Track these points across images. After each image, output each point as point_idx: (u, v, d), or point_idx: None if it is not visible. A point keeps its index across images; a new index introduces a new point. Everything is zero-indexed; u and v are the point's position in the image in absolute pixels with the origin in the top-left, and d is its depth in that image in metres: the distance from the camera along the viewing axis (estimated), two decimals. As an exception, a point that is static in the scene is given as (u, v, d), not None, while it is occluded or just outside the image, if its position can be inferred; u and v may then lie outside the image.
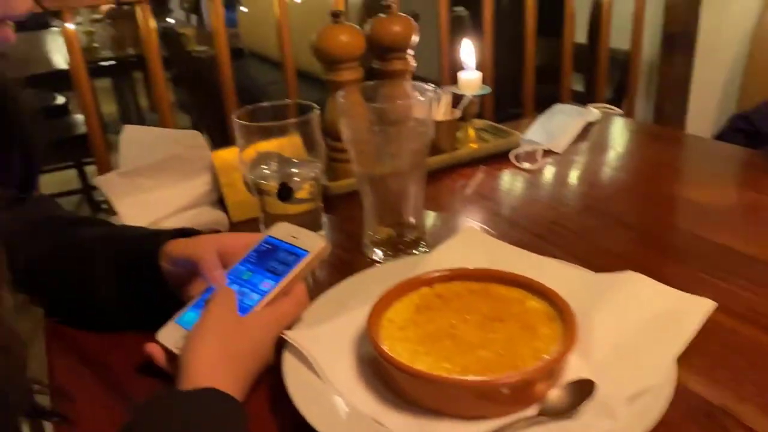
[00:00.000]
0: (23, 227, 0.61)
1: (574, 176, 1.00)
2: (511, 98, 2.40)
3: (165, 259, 0.61)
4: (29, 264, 0.57)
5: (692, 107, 2.13)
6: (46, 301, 0.63)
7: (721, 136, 1.42)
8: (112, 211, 0.86)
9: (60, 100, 3.02)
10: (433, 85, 0.78)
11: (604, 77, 1.97)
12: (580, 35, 2.28)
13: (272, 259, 0.62)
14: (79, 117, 2.78)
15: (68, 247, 0.65)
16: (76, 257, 0.64)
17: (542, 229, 0.82)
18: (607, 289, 0.59)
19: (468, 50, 1.06)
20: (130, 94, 3.67)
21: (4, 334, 0.39)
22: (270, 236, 0.64)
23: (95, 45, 2.84)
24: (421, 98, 0.76)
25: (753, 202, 0.89)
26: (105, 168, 1.36)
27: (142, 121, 3.77)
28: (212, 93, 1.72)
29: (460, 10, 1.82)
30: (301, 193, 0.78)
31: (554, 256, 0.69)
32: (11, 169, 0.46)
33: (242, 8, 1.23)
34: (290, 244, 0.63)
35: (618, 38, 2.05)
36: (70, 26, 1.17)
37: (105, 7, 2.84)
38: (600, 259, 0.72)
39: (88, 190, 3.10)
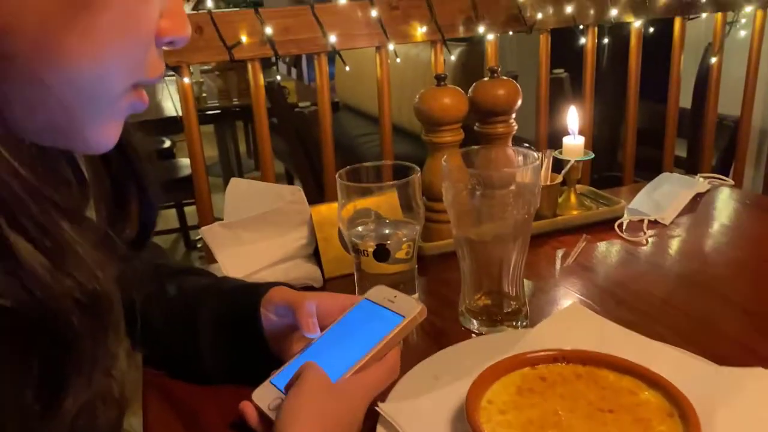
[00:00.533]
0: (133, 275, 0.63)
1: (683, 251, 0.94)
2: (609, 160, 2.33)
3: (266, 305, 0.62)
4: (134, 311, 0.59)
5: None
6: (148, 348, 0.65)
7: None
8: (210, 256, 0.89)
9: (167, 143, 3.22)
10: (528, 146, 0.76)
11: (710, 144, 1.88)
12: (685, 99, 2.20)
13: (367, 322, 0.60)
14: (183, 160, 2.93)
15: (173, 297, 0.67)
16: (181, 307, 0.65)
17: (651, 307, 0.77)
18: (732, 386, 0.54)
19: (573, 116, 1.04)
20: (231, 140, 3.85)
21: (118, 386, 0.40)
22: (367, 299, 0.63)
23: (204, 94, 3.02)
24: (527, 163, 0.74)
25: None
26: (205, 208, 1.41)
27: (239, 165, 3.95)
28: (310, 145, 1.77)
29: (560, 72, 1.80)
30: (398, 254, 0.77)
31: (665, 340, 0.64)
32: (129, 218, 0.48)
33: (346, 68, 1.27)
34: (386, 308, 0.61)
35: (725, 103, 1.96)
36: (186, 80, 1.24)
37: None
38: (719, 347, 0.66)
39: (185, 229, 3.25)
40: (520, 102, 0.96)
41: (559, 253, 0.94)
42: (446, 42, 1.42)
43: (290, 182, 4.02)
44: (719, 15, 1.72)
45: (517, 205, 0.70)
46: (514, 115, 0.97)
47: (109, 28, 0.32)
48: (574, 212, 1.04)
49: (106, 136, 0.37)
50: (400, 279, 0.78)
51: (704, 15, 1.69)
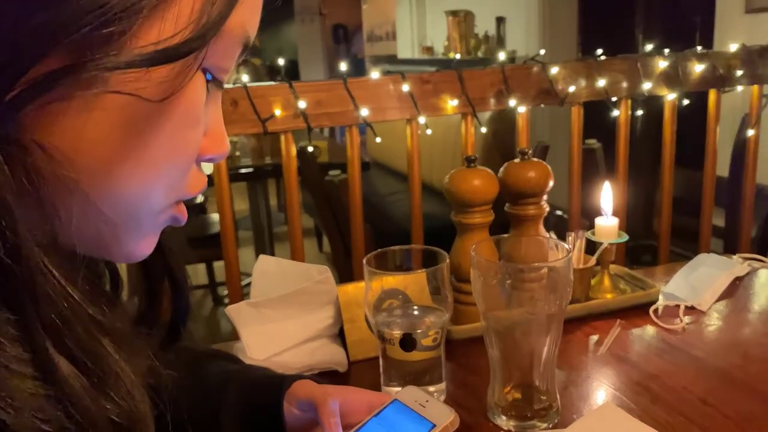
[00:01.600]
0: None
1: (722, 342, 0.90)
2: (645, 228, 2.29)
3: (289, 398, 0.62)
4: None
5: None
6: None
7: None
8: (236, 334, 0.88)
9: (200, 198, 3.28)
10: (560, 214, 0.74)
11: (750, 216, 1.84)
12: (721, 167, 2.17)
13: (396, 427, 0.58)
14: (214, 216, 2.98)
15: (197, 382, 0.66)
16: (204, 396, 0.64)
17: (690, 408, 0.73)
18: None
19: (606, 196, 1.02)
20: (262, 195, 3.91)
21: None
22: (397, 400, 0.61)
23: (237, 154, 3.08)
24: (559, 256, 0.72)
25: None
26: (232, 265, 1.41)
27: (269, 219, 4.00)
28: (339, 210, 1.78)
29: (593, 142, 1.79)
30: (425, 342, 0.75)
31: (707, 449, 0.60)
32: (160, 315, 0.48)
33: (377, 139, 1.28)
34: (417, 413, 0.59)
35: (765, 173, 1.93)
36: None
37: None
38: (764, 459, 0.62)
39: (213, 285, 3.26)
40: (551, 184, 0.95)
41: (592, 340, 0.91)
42: (476, 115, 1.43)
43: (319, 237, 4.04)
44: (755, 87, 1.70)
45: (549, 298, 0.69)
46: (545, 197, 0.96)
47: (159, 154, 0.33)
48: (608, 296, 1.01)
49: (143, 247, 0.38)
50: (426, 366, 0.76)
51: (740, 88, 1.67)
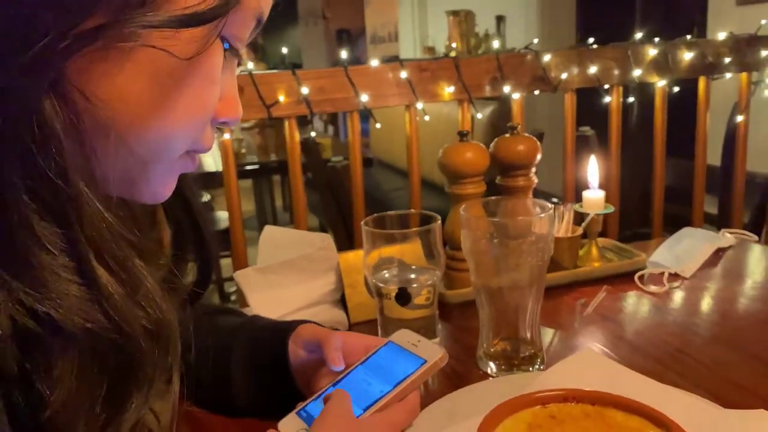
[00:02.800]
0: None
1: (703, 303, 0.96)
2: (640, 217, 2.34)
3: (295, 339, 0.67)
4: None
5: None
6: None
7: None
8: (243, 300, 0.94)
9: (206, 197, 3.35)
10: (555, 201, 0.80)
11: (740, 201, 1.88)
12: (715, 157, 2.22)
13: (391, 364, 0.64)
14: (221, 213, 3.04)
15: (208, 334, 0.72)
16: (214, 343, 0.70)
17: (667, 356, 0.78)
18: (736, 426, 0.55)
19: (592, 169, 1.07)
20: (268, 195, 3.97)
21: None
22: (391, 341, 0.67)
23: (243, 151, 3.15)
24: (542, 215, 0.77)
25: None
26: (240, 260, 1.47)
27: (275, 219, 4.06)
28: (342, 198, 1.84)
29: (586, 129, 1.84)
30: (419, 299, 0.81)
31: (677, 385, 0.66)
32: (187, 265, 0.54)
33: (377, 125, 1.34)
34: (410, 351, 0.65)
35: (757, 161, 1.98)
36: (227, 137, 1.32)
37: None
38: (730, 394, 0.67)
39: (220, 281, 3.32)
40: (539, 157, 1.01)
41: (579, 303, 0.97)
42: (473, 100, 1.49)
43: (324, 235, 4.10)
44: (744, 75, 1.75)
45: (533, 254, 0.74)
46: (534, 170, 1.01)
47: (181, 106, 0.39)
48: (596, 264, 1.06)
49: (164, 187, 0.44)
50: (421, 324, 0.82)
51: (728, 75, 1.72)
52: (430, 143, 2.15)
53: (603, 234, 1.17)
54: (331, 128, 4.77)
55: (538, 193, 1.81)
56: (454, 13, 4.13)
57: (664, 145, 1.75)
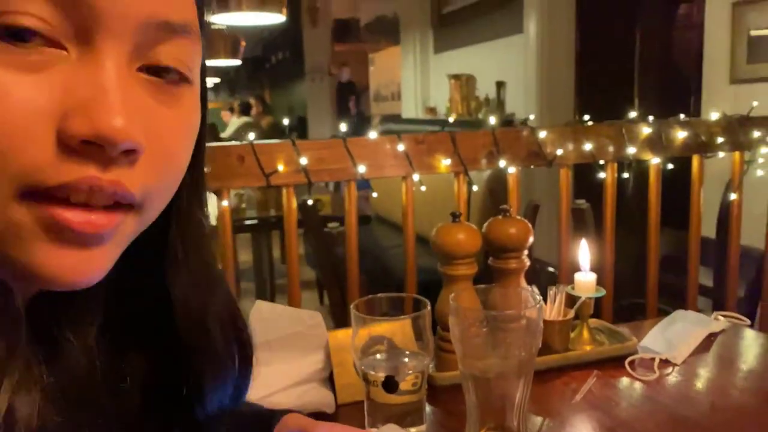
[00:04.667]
0: None
1: (692, 392, 0.95)
2: (636, 287, 2.33)
3: (280, 429, 0.66)
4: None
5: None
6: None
7: None
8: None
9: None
10: (551, 270, 0.80)
11: (735, 276, 1.89)
12: (710, 228, 2.24)
13: None
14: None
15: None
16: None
17: (655, 453, 0.77)
18: None
19: (584, 252, 1.08)
20: (265, 247, 3.98)
21: None
22: None
23: (243, 206, 3.18)
24: (531, 307, 0.78)
25: None
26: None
27: (272, 269, 4.05)
28: (336, 260, 1.84)
29: (582, 203, 1.86)
30: (406, 385, 0.80)
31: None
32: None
33: (373, 194, 1.36)
34: None
35: (750, 236, 1.99)
36: (225, 204, 1.34)
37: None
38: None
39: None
40: (531, 240, 1.02)
41: (569, 389, 0.96)
42: (468, 173, 1.51)
43: (320, 289, 4.09)
44: (737, 154, 1.78)
45: (521, 345, 0.74)
46: (526, 252, 1.02)
47: None
48: (587, 347, 1.06)
49: (49, 261, 0.33)
50: (408, 409, 0.81)
51: (722, 154, 1.75)
52: (432, 202, 2.17)
53: (597, 309, 1.17)
54: (332, 184, 4.81)
55: (537, 263, 1.82)
56: (456, 77, 4.23)
57: (659, 222, 1.76)
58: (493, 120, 1.53)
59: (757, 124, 1.72)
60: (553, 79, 3.50)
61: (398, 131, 1.49)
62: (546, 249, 2.35)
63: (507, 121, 3.51)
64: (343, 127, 1.50)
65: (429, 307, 0.81)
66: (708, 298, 2.26)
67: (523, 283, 1.03)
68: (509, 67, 3.81)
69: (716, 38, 2.43)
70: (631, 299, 2.27)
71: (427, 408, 0.85)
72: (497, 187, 2.42)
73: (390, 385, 0.79)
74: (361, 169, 1.42)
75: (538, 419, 0.87)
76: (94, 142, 0.32)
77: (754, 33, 2.26)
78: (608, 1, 3.70)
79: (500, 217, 1.03)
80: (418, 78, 5.15)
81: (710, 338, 1.12)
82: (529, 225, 1.02)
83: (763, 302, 1.92)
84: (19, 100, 0.31)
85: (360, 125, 7.08)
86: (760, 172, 1.81)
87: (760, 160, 1.78)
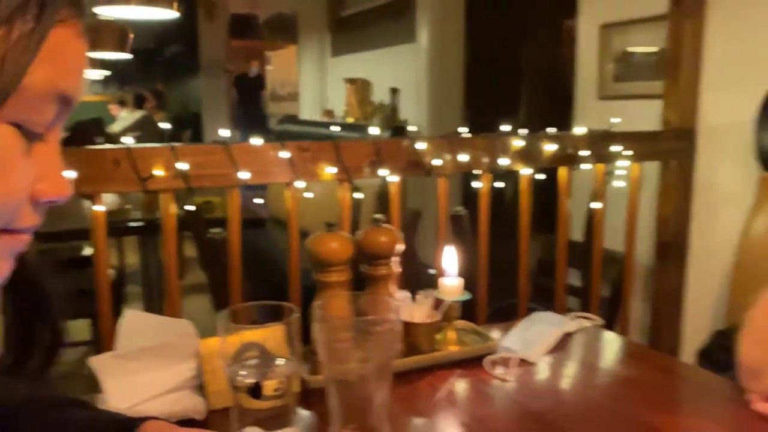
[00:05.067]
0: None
1: (542, 389, 1.04)
2: (512, 289, 2.48)
3: None
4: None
5: (687, 315, 2.18)
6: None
7: (706, 350, 1.46)
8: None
9: (88, 251, 3.19)
10: (431, 271, 0.85)
11: (597, 276, 2.06)
12: (579, 233, 2.43)
13: None
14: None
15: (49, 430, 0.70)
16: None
17: (501, 445, 0.85)
18: None
19: (450, 258, 1.15)
20: (152, 249, 3.85)
21: None
22: None
23: (128, 207, 3.06)
24: (391, 311, 0.83)
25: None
26: (107, 321, 1.43)
27: (159, 273, 3.92)
28: (222, 268, 1.83)
29: (460, 209, 1.97)
30: (270, 391, 0.83)
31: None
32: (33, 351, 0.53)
33: (260, 200, 1.37)
34: None
35: (614, 239, 2.17)
36: (97, 208, 1.31)
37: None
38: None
39: (98, 341, 3.15)
40: (399, 247, 1.07)
41: (432, 388, 1.02)
42: (352, 181, 1.56)
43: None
44: (600, 166, 1.95)
45: (381, 349, 0.79)
46: (395, 259, 1.08)
47: None
48: (452, 348, 1.13)
49: None
50: (274, 413, 0.84)
51: (586, 166, 1.91)
52: (328, 199, 2.21)
53: (472, 311, 1.25)
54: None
55: (422, 268, 1.88)
56: (352, 81, 4.30)
57: (529, 228, 1.89)
58: (376, 130, 1.58)
59: (615, 139, 1.89)
60: (444, 88, 3.64)
61: (298, 132, 1.51)
62: (427, 253, 2.46)
63: (399, 128, 3.61)
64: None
65: (297, 314, 0.85)
66: (576, 298, 2.44)
67: (393, 288, 1.09)
68: (403, 75, 3.92)
69: (587, 56, 2.63)
70: (509, 300, 2.41)
71: (303, 411, 0.88)
72: (385, 194, 2.49)
73: (255, 390, 0.81)
74: (245, 175, 1.43)
75: (402, 418, 0.92)
76: (54, 201, 0.45)
77: (620, 53, 2.48)
78: (497, 15, 3.89)
79: (373, 226, 1.08)
80: (315, 80, 5.17)
81: (565, 337, 1.23)
82: (398, 233, 1.08)
83: (624, 302, 2.11)
84: (20, 179, 0.41)
85: (260, 124, 6.99)
86: (619, 183, 1.98)
87: (620, 172, 1.96)
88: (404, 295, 1.16)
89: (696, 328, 2.13)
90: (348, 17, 4.64)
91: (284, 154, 1.47)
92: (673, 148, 2.04)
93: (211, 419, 0.93)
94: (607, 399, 1.01)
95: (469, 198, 2.14)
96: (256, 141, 1.47)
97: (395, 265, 1.08)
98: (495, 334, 1.20)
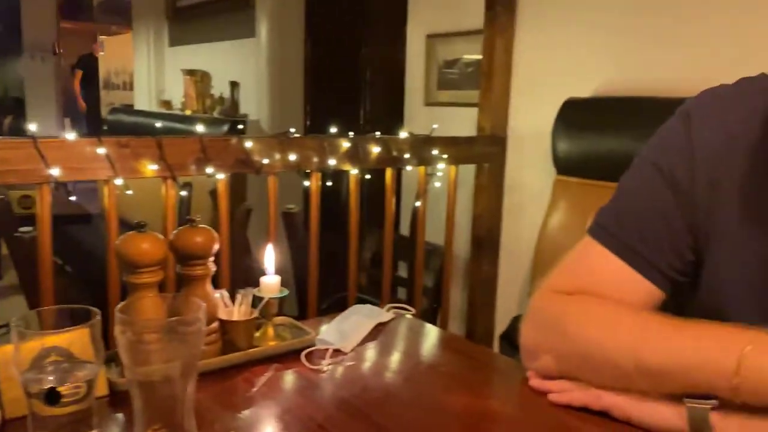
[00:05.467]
0: None
1: (354, 378, 1.11)
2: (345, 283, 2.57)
3: None
4: None
5: (500, 301, 2.41)
6: None
7: (505, 334, 1.63)
8: None
9: None
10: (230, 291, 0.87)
11: (421, 268, 2.21)
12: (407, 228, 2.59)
13: None
14: None
15: None
16: None
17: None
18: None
19: (268, 257, 1.19)
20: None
21: None
22: None
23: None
24: (196, 310, 0.85)
25: (500, 412, 1.03)
26: None
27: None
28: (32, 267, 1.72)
29: (292, 207, 2.01)
30: (71, 396, 0.82)
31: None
32: None
33: (73, 198, 1.30)
34: None
35: (435, 235, 2.34)
36: None
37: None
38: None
39: None
40: (216, 247, 1.09)
41: (249, 383, 1.06)
42: (176, 179, 1.54)
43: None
44: (421, 168, 2.09)
45: (185, 349, 0.81)
46: (212, 259, 1.09)
47: None
48: (270, 344, 1.17)
49: None
50: (75, 419, 0.82)
51: (409, 168, 2.04)
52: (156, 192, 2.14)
53: (304, 305, 1.30)
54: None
55: (256, 263, 1.88)
56: (191, 73, 4.17)
57: (358, 224, 1.98)
58: (201, 128, 1.56)
59: (435, 143, 2.03)
60: (285, 84, 3.66)
61: (131, 123, 1.46)
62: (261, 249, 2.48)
63: (239, 121, 3.57)
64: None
65: (98, 317, 0.84)
66: (404, 288, 2.59)
67: (209, 288, 1.10)
68: (243, 69, 3.88)
69: (415, 64, 2.79)
70: (342, 293, 2.50)
71: (112, 414, 0.88)
72: (235, 186, 2.47)
73: (50, 396, 0.79)
74: (56, 171, 1.36)
75: (214, 413, 0.94)
76: None
77: (443, 63, 2.66)
78: (338, 16, 3.97)
79: (188, 226, 1.09)
80: (152, 69, 4.94)
81: (379, 328, 1.32)
82: (214, 233, 1.09)
83: (444, 291, 2.28)
84: None
85: (90, 113, 6.50)
86: (438, 184, 2.14)
87: (439, 174, 2.11)
88: (223, 293, 1.18)
89: (507, 314, 2.36)
90: (186, 7, 4.49)
91: (101, 150, 1.42)
92: (486, 152, 2.24)
93: (8, 427, 0.89)
94: (409, 384, 1.11)
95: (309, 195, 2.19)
96: (70, 135, 1.40)
97: (211, 265, 1.10)
98: (324, 326, 1.26)
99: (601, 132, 1.92)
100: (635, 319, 0.95)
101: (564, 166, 2.06)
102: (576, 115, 2.02)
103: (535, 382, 1.04)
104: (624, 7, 2.01)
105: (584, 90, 2.10)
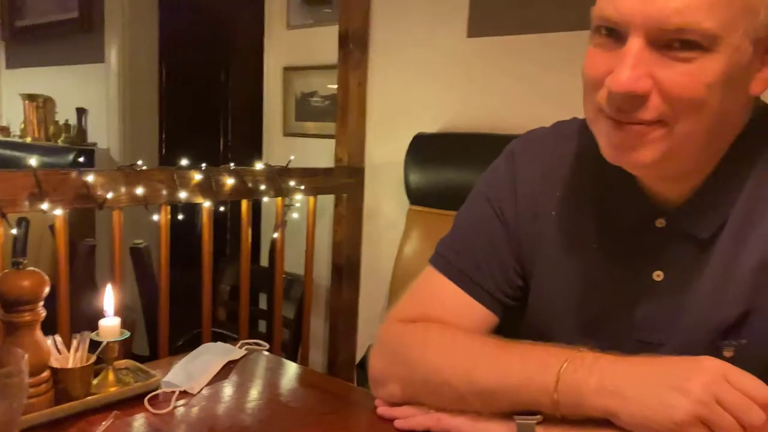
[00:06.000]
0: None
1: (199, 420, 1.08)
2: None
3: None
4: None
5: (361, 328, 2.45)
6: None
7: (362, 363, 1.66)
8: None
9: None
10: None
11: (280, 298, 2.19)
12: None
13: None
14: None
15: None
16: None
17: (145, 481, 0.86)
18: None
19: (107, 298, 1.14)
20: None
21: None
22: None
23: None
24: (21, 361, 0.79)
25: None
26: None
27: None
28: None
29: (141, 242, 1.93)
30: None
31: None
32: None
33: None
34: None
35: (300, 264, 2.35)
36: None
37: None
38: None
39: None
40: (47, 290, 1.03)
41: (84, 434, 0.99)
42: (5, 216, 1.43)
43: None
44: (279, 199, 2.09)
45: (1, 403, 0.75)
46: (41, 303, 1.02)
47: None
48: (111, 389, 1.11)
49: None
50: None
51: (266, 199, 2.03)
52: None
53: (154, 345, 1.23)
54: None
55: (98, 302, 1.76)
56: (31, 97, 3.87)
57: (211, 257, 1.94)
58: (33, 161, 1.45)
59: (292, 175, 2.05)
60: (137, 113, 3.51)
61: None
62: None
63: (86, 150, 3.37)
64: None
65: None
66: (264, 320, 2.56)
67: (39, 335, 1.03)
68: (91, 95, 3.67)
69: (273, 95, 2.81)
70: (198, 329, 2.42)
71: None
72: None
73: None
74: None
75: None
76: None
77: (299, 95, 2.70)
78: (194, 45, 3.89)
79: (14, 269, 1.01)
80: (-14, 92, 4.53)
81: (231, 365, 1.29)
82: (44, 276, 1.03)
83: (305, 321, 2.28)
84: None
85: None
86: (296, 215, 2.16)
87: (297, 204, 2.13)
88: (57, 339, 1.10)
89: (368, 340, 2.41)
90: (26, 27, 4.18)
91: None
92: (344, 183, 2.29)
93: None
94: (261, 422, 1.09)
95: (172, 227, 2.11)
96: None
97: (41, 311, 1.03)
98: (176, 366, 1.21)
99: (446, 165, 2.05)
100: (470, 344, 1.01)
101: (415, 196, 2.16)
102: (424, 149, 2.13)
103: (383, 410, 1.07)
104: (463, 55, 2.19)
105: (433, 125, 2.23)
